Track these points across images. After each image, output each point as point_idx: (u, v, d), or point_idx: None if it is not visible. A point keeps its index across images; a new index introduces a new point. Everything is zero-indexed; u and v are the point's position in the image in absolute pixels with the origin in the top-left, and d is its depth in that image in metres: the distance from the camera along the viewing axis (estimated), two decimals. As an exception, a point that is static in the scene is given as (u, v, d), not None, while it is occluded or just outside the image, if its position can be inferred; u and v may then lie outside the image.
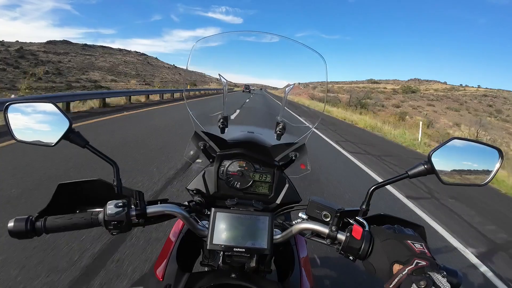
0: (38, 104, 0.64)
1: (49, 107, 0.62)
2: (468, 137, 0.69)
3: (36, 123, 0.64)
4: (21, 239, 0.56)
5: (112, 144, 4.86)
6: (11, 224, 0.55)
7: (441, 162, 0.61)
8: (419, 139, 10.40)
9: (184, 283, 0.64)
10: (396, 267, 0.51)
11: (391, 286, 0.47)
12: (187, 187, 0.86)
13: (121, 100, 11.40)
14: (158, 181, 3.33)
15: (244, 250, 0.62)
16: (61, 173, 3.28)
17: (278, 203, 0.86)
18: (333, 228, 0.60)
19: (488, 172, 0.63)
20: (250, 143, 0.88)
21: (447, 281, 0.45)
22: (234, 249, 0.62)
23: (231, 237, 0.62)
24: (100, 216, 0.58)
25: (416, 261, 0.48)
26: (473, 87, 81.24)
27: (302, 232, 0.65)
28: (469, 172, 0.64)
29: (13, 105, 0.63)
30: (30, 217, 0.56)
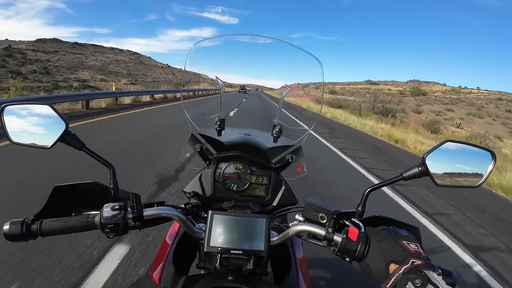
0: (34, 106, 0.65)
1: (45, 109, 0.64)
2: None
3: (32, 125, 0.65)
4: (16, 242, 0.56)
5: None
6: (6, 227, 0.55)
7: (435, 164, 0.64)
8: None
9: (181, 286, 0.66)
10: (392, 267, 0.52)
11: (388, 286, 0.48)
12: (184, 190, 0.88)
13: (103, 102, 10.41)
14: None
15: (241, 252, 0.63)
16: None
17: (275, 205, 0.88)
18: (330, 230, 0.62)
19: (481, 173, 0.66)
20: (247, 146, 0.90)
21: (442, 279, 0.47)
22: (231, 252, 0.63)
23: (228, 239, 0.64)
24: (97, 219, 0.59)
25: (411, 260, 0.50)
26: (472, 88, 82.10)
27: (298, 234, 0.67)
28: (463, 174, 0.67)
29: (8, 107, 0.63)
30: (26, 220, 0.56)
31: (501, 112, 53.40)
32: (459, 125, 35.43)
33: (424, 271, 0.47)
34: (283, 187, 0.89)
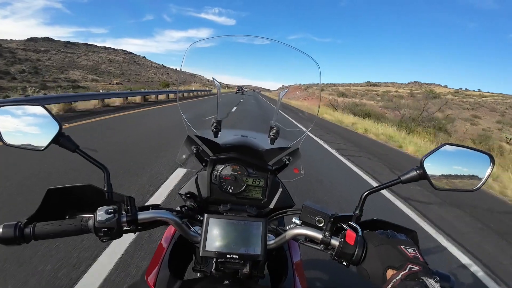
0: (27, 106, 0.65)
1: (39, 110, 0.64)
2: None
3: (26, 126, 0.65)
4: (9, 245, 0.56)
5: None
6: None
7: (433, 168, 0.64)
8: None
9: None
10: (390, 272, 0.53)
11: None
12: (180, 192, 0.88)
13: (88, 104, 9.82)
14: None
15: (237, 256, 0.64)
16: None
17: (272, 207, 0.88)
18: (327, 234, 0.62)
19: (480, 177, 0.67)
20: (243, 147, 0.91)
21: (440, 286, 0.47)
22: (227, 256, 0.64)
23: (224, 243, 0.65)
24: (90, 222, 0.59)
25: (409, 266, 0.51)
26: (473, 90, 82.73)
27: (295, 238, 0.68)
28: (461, 177, 0.68)
29: (1, 107, 0.64)
30: (19, 223, 0.57)
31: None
32: (510, 140, 28.56)
33: (422, 277, 0.48)
34: (280, 189, 0.90)
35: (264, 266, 0.80)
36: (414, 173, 0.64)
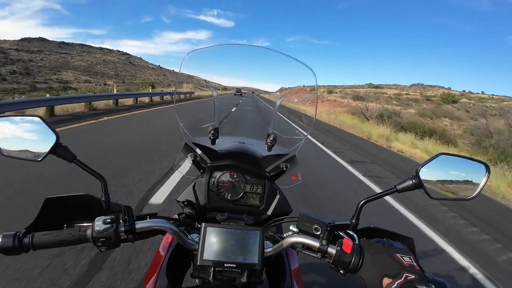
0: (24, 117, 0.67)
1: (36, 121, 0.66)
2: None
3: (23, 137, 0.67)
4: (8, 255, 0.57)
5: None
6: None
7: (429, 177, 0.67)
8: None
9: None
10: (386, 281, 0.55)
11: None
12: (177, 199, 0.90)
13: (76, 107, 9.49)
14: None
15: (235, 265, 0.66)
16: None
17: (269, 214, 0.91)
18: (324, 242, 0.64)
19: (475, 186, 0.69)
20: (241, 154, 0.93)
21: None
22: (225, 265, 0.66)
23: (222, 252, 0.66)
24: (88, 232, 0.60)
25: (405, 274, 0.53)
26: (477, 93, 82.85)
27: (293, 246, 0.70)
28: (457, 186, 0.70)
29: None
30: (18, 233, 0.58)
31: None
32: None
33: (417, 286, 0.50)
34: (278, 196, 0.92)
35: (262, 273, 0.82)
36: (410, 182, 0.66)
